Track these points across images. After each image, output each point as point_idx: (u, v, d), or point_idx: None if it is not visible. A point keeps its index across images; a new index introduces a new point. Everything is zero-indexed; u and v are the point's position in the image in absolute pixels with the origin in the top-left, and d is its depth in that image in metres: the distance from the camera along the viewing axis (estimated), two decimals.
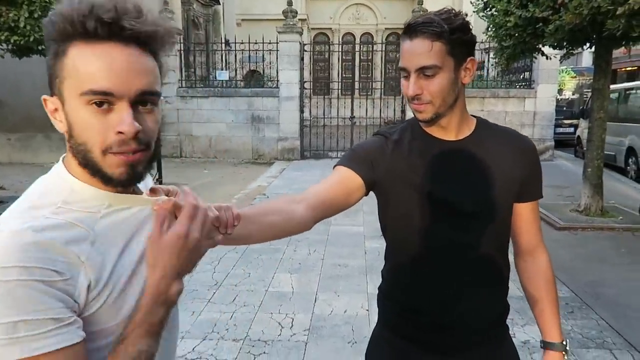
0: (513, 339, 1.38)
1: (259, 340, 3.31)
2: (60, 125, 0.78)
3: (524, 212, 1.30)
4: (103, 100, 0.72)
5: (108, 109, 0.73)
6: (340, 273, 4.58)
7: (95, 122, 0.73)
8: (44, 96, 0.78)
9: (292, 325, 3.53)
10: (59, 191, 0.77)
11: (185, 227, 0.76)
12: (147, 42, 0.76)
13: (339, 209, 1.22)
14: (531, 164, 1.26)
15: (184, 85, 12.59)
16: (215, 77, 13.04)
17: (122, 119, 0.73)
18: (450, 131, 1.22)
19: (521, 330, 3.39)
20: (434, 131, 1.23)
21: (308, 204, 1.13)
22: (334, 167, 1.26)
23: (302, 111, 12.57)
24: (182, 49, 12.71)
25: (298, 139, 12.44)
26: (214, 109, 12.37)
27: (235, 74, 13.30)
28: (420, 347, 1.27)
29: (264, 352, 3.15)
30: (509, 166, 1.22)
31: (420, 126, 1.25)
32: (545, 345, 1.32)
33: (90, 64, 0.72)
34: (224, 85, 12.78)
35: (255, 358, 3.09)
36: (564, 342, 1.31)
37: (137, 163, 0.77)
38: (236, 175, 10.28)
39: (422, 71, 1.12)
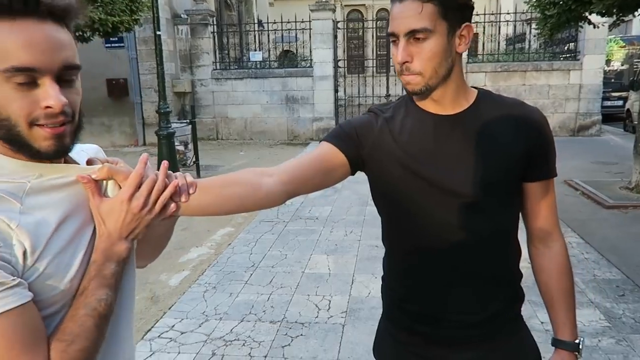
0: (543, 324, 1.27)
1: (296, 322, 3.31)
2: None
3: (533, 193, 1.17)
4: (27, 76, 0.72)
5: (32, 83, 0.73)
6: (377, 254, 4.50)
7: (19, 97, 0.73)
8: None
9: (329, 308, 3.51)
10: None
11: (128, 193, 0.81)
12: (62, 16, 0.77)
13: (317, 186, 1.13)
14: (539, 138, 1.12)
15: (218, 67, 12.63)
16: (249, 58, 13.03)
17: (49, 93, 0.74)
18: (445, 105, 1.11)
19: None
20: (428, 105, 1.13)
21: (279, 178, 1.04)
22: (319, 142, 1.18)
23: (336, 90, 12.43)
24: (215, 30, 12.73)
25: (333, 118, 12.33)
26: (248, 91, 12.38)
27: (269, 55, 13.24)
28: (423, 339, 1.19)
29: (301, 335, 3.14)
30: (511, 140, 1.10)
31: (414, 101, 1.15)
32: (556, 344, 1.20)
33: (9, 41, 0.71)
34: (258, 66, 12.75)
35: (292, 340, 3.08)
36: (577, 341, 1.19)
37: (64, 135, 0.78)
38: (272, 156, 10.32)
39: (412, 35, 1.02)
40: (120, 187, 0.83)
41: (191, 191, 0.87)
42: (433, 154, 1.10)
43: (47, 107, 0.74)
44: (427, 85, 1.06)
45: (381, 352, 1.31)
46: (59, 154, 0.79)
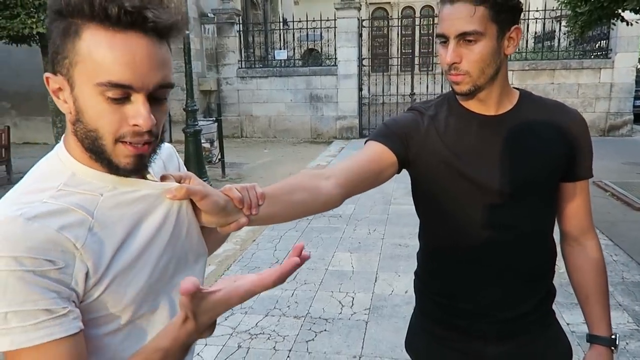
0: (569, 325, 1.27)
1: (319, 318, 3.34)
2: (64, 107, 0.74)
3: (571, 193, 1.19)
4: (121, 92, 0.70)
5: (124, 99, 0.71)
6: (400, 253, 4.51)
7: (110, 111, 0.71)
8: (47, 74, 0.73)
9: (352, 304, 3.53)
10: (59, 174, 0.75)
11: (244, 300, 0.70)
12: (166, 32, 0.74)
13: (369, 186, 1.15)
14: (579, 139, 1.15)
15: (243, 66, 12.75)
16: (274, 57, 13.11)
17: (139, 112, 0.72)
18: (489, 105, 1.14)
19: None
20: (472, 105, 1.15)
21: (336, 181, 1.05)
22: (365, 142, 1.20)
23: (360, 89, 12.41)
24: (241, 29, 12.85)
25: (357, 117, 12.32)
26: (273, 89, 12.47)
27: (294, 53, 13.30)
28: (459, 333, 1.21)
29: (325, 330, 3.18)
30: (553, 142, 1.13)
31: (457, 100, 1.17)
32: (592, 340, 1.22)
33: (109, 54, 0.69)
34: (283, 64, 12.82)
35: (316, 335, 3.12)
36: (614, 337, 1.20)
37: (145, 154, 0.76)
38: (295, 154, 10.37)
39: (463, 37, 1.04)
40: (192, 203, 0.81)
41: (260, 203, 0.86)
42: (478, 154, 1.12)
43: (135, 125, 0.72)
44: (476, 85, 1.08)
45: (414, 347, 1.33)
46: (136, 171, 0.77)
